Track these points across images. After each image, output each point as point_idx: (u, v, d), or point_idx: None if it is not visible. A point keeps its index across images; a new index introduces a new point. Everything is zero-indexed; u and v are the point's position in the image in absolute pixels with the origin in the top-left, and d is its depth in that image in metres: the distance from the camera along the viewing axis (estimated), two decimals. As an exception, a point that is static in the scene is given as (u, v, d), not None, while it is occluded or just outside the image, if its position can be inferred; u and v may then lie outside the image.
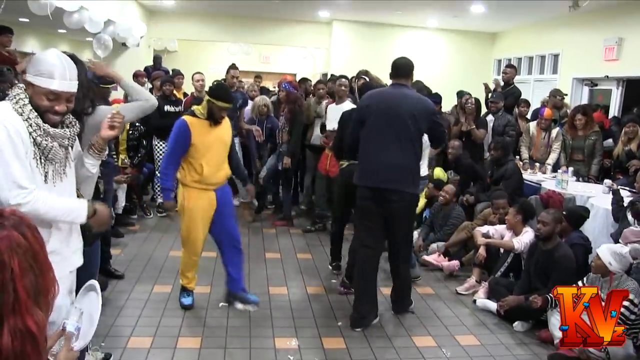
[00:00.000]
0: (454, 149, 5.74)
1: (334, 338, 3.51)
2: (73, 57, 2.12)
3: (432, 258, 4.92)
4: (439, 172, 5.90)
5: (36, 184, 1.89)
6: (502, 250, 4.39)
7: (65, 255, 2.07)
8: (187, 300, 3.80)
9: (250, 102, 6.52)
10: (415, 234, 5.04)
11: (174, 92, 6.49)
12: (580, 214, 4.19)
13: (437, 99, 5.96)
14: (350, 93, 5.43)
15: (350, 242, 4.57)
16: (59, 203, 1.96)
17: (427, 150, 4.26)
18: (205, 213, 3.62)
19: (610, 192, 4.41)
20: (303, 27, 12.14)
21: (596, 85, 8.85)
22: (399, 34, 11.75)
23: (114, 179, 4.96)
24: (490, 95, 6.75)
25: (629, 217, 3.91)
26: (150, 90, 7.11)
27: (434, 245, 5.07)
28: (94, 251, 2.89)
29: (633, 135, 5.48)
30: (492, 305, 4.00)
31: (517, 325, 3.78)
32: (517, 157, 6.18)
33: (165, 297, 3.96)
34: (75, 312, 1.68)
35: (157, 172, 6.19)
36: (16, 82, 3.79)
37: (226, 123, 3.69)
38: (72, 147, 2.09)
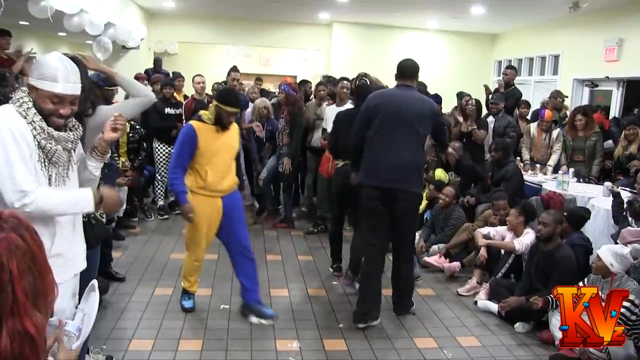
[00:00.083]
0: (455, 150, 5.72)
1: (335, 339, 3.51)
2: (75, 59, 2.12)
3: (433, 259, 4.91)
4: (440, 174, 5.89)
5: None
6: (503, 251, 4.39)
7: (69, 258, 2.07)
8: (188, 303, 3.79)
9: (250, 105, 6.53)
10: (417, 235, 5.04)
11: (175, 94, 6.49)
12: (581, 215, 4.19)
13: (437, 99, 5.96)
14: (350, 95, 5.43)
15: (350, 242, 4.58)
16: (63, 196, 1.96)
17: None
18: (210, 221, 3.54)
19: (611, 194, 4.40)
20: (303, 29, 12.17)
21: (596, 86, 8.85)
22: (399, 35, 11.76)
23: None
24: (490, 96, 6.75)
25: (629, 217, 3.91)
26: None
27: (435, 247, 5.07)
28: (94, 254, 2.89)
29: (633, 137, 5.48)
30: (493, 307, 4.00)
31: (518, 326, 3.77)
32: (518, 158, 6.18)
33: (167, 299, 3.95)
34: (79, 314, 1.69)
35: (157, 175, 6.21)
36: (17, 85, 3.80)
37: (234, 128, 3.58)
38: (74, 150, 2.09)
